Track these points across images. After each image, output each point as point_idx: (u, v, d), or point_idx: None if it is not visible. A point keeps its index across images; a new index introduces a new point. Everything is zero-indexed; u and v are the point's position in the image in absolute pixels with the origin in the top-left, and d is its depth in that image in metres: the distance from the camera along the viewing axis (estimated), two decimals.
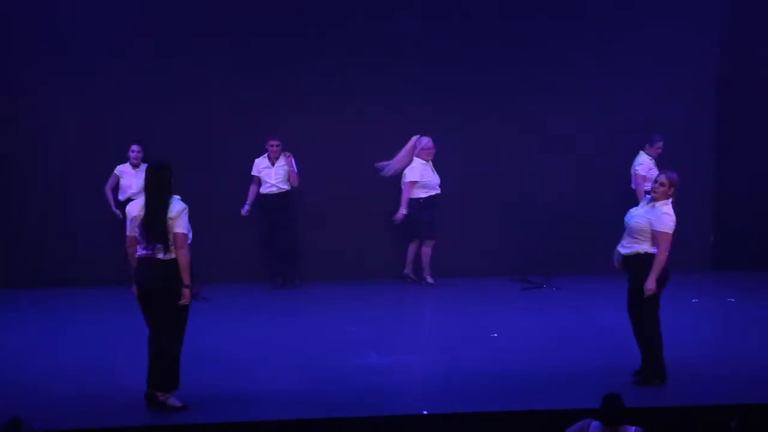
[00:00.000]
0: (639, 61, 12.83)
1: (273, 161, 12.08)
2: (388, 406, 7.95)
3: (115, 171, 11.84)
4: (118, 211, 11.54)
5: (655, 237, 8.20)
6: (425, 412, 7.75)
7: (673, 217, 8.27)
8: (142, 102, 12.22)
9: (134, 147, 11.77)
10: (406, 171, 12.10)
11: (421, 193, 12.13)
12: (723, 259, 12.98)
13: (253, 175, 12.13)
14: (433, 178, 12.16)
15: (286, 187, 12.10)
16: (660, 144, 12.27)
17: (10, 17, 12.08)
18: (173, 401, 7.67)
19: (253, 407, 7.93)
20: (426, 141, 12.08)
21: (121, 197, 11.74)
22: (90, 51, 12.14)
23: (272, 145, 12.02)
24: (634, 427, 6.69)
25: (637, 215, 8.37)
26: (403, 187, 12.14)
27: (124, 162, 11.87)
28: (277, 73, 12.41)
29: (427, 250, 12.24)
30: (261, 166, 12.11)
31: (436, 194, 12.20)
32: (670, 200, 8.35)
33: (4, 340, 9.96)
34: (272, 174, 12.07)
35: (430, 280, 12.24)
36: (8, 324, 10.60)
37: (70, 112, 12.19)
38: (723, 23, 12.98)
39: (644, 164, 12.20)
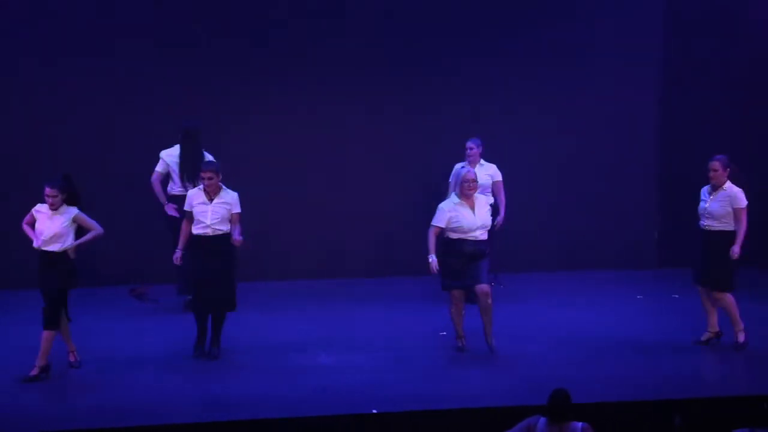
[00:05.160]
0: (586, 57, 12.93)
1: (210, 196, 9.41)
2: (337, 405, 7.96)
3: (33, 210, 9.01)
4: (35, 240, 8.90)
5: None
6: (374, 411, 7.77)
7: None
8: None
9: (48, 190, 8.84)
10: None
11: (453, 235, 9.46)
12: (668, 256, 13.09)
13: (185, 211, 9.53)
14: (471, 222, 9.41)
15: (223, 228, 9.36)
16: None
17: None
18: None
19: (215, 408, 8.01)
20: (464, 173, 9.57)
21: (36, 243, 8.92)
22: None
23: (203, 178, 9.39)
24: (581, 423, 6.74)
25: None
26: None
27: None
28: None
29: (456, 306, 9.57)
30: (195, 201, 9.40)
31: (474, 239, 9.42)
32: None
33: None
34: (208, 213, 9.35)
35: (459, 343, 9.64)
36: None
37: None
38: (666, 14, 13.11)
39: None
